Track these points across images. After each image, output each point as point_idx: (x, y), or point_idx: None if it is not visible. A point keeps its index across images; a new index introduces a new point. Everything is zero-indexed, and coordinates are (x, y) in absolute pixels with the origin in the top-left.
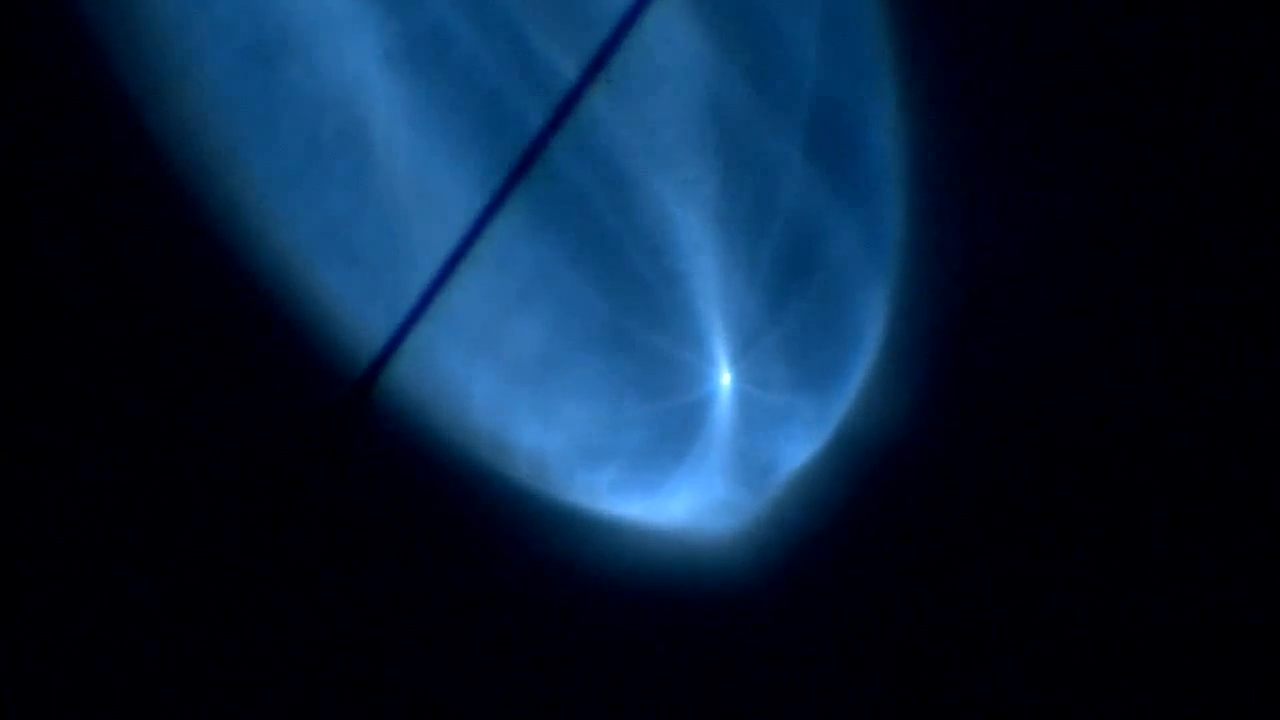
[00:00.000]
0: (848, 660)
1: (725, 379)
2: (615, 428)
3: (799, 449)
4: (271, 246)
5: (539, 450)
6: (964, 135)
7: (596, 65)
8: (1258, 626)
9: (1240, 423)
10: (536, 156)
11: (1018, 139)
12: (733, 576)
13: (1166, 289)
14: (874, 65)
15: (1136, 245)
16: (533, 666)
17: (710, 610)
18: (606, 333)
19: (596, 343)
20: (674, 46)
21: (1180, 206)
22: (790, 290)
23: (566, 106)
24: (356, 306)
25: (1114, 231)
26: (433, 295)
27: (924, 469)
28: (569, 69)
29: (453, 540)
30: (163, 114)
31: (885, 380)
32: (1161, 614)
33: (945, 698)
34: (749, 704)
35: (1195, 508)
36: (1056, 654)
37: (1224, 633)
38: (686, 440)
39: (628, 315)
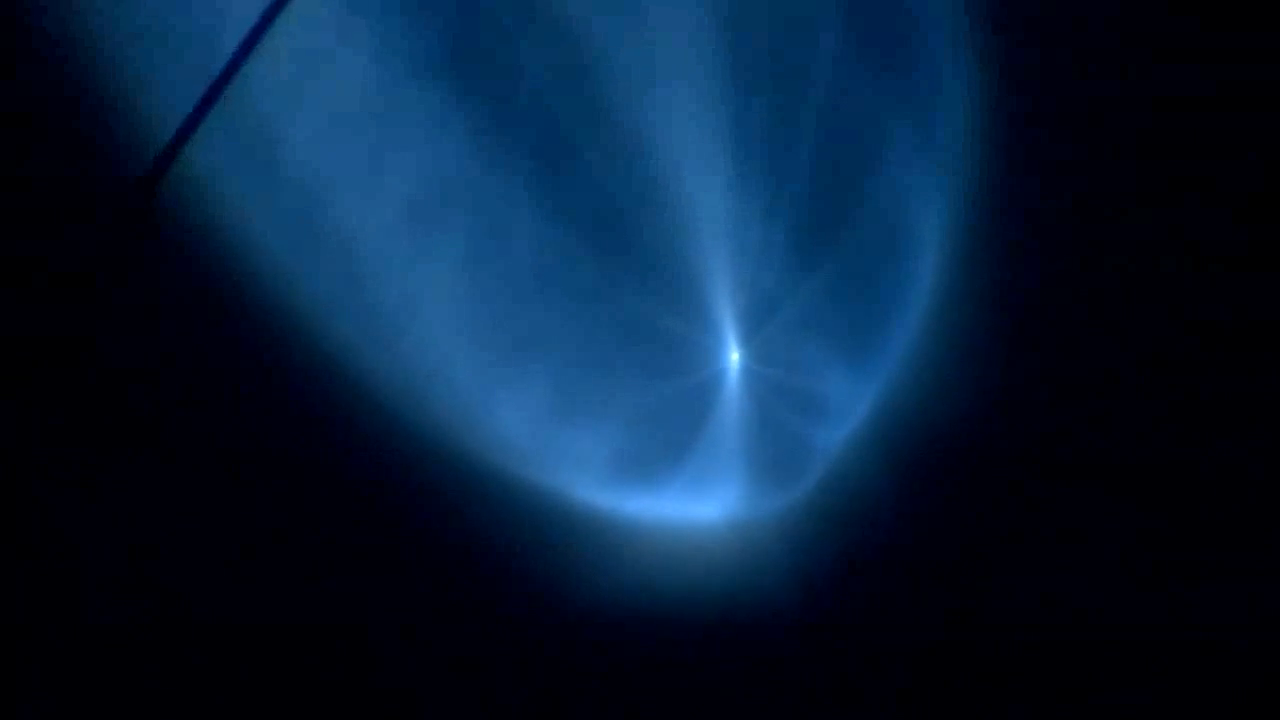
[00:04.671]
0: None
1: (734, 357)
2: (602, 416)
3: (828, 436)
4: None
5: (518, 440)
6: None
7: None
8: None
9: None
10: None
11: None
12: (753, 581)
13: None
14: None
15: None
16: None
17: (729, 621)
18: (585, 299)
19: (572, 310)
20: None
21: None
22: (819, 242)
23: None
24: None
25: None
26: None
27: (978, 459)
28: None
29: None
30: None
31: (932, 355)
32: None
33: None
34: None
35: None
36: (1113, 656)
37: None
38: (689, 431)
39: (612, 279)
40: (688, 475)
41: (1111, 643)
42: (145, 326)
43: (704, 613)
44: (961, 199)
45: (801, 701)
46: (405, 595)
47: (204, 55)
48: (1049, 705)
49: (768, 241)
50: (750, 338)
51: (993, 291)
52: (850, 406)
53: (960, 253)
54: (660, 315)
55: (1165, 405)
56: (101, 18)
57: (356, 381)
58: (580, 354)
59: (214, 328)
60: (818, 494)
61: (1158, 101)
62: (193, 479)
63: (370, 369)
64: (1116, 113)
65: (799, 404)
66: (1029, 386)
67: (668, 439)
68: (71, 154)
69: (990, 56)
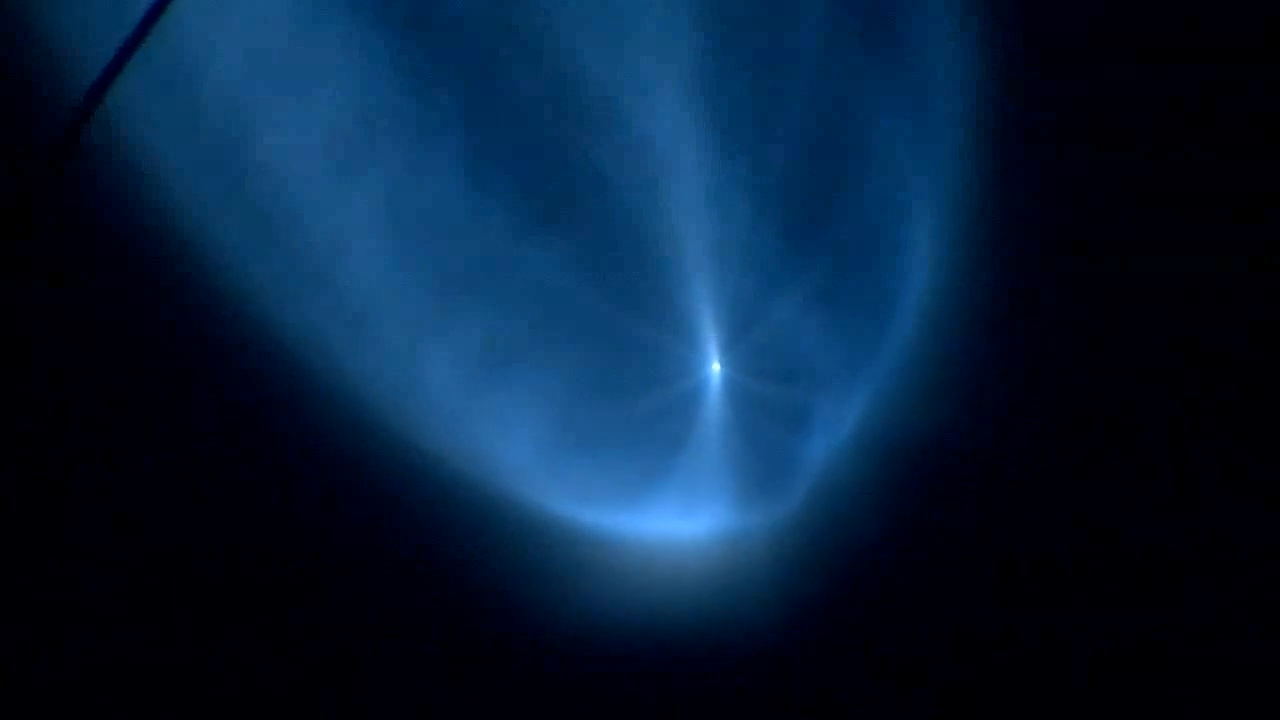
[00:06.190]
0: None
1: (715, 367)
2: (581, 431)
3: (815, 448)
4: None
5: (496, 458)
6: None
7: None
8: None
9: None
10: None
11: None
12: (738, 597)
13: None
14: None
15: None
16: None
17: (714, 638)
18: (563, 309)
19: (551, 322)
20: None
21: None
22: (805, 245)
23: None
24: None
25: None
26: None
27: (968, 470)
28: None
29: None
30: None
31: (922, 363)
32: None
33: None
34: None
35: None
36: (1108, 667)
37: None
38: (669, 445)
39: (589, 286)
40: (668, 490)
41: (1106, 655)
42: (68, 267)
43: (688, 630)
44: (954, 204)
45: (790, 717)
46: (366, 594)
47: None
48: (1041, 717)
49: (751, 244)
50: (732, 346)
51: (984, 299)
52: (837, 417)
53: (951, 259)
54: (635, 323)
55: (1163, 412)
56: None
57: (280, 328)
58: (550, 366)
59: (135, 271)
60: (804, 507)
61: (1160, 100)
62: (104, 429)
63: (295, 314)
64: (1117, 114)
65: (784, 415)
66: (1020, 395)
67: (646, 453)
68: None
69: (987, 55)
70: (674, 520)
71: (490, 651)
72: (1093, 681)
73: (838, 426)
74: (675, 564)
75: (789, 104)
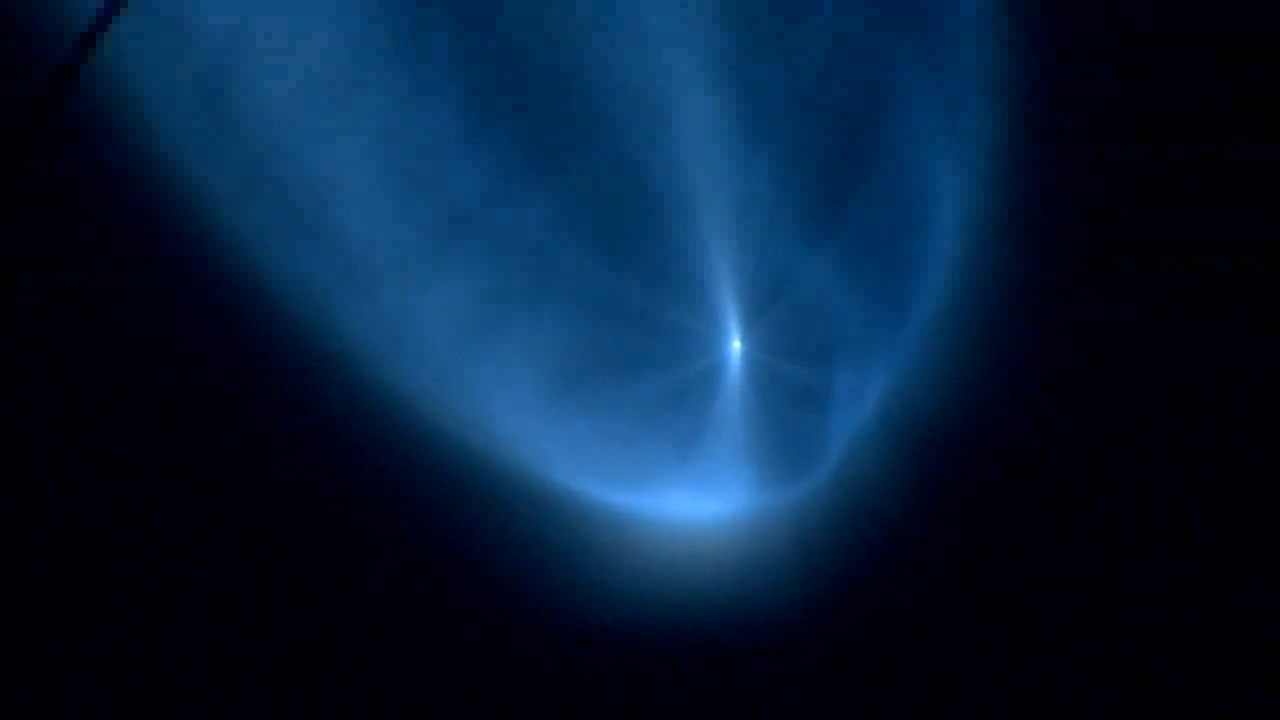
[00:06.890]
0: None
1: (736, 345)
2: (599, 408)
3: (835, 428)
4: None
5: (510, 436)
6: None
7: None
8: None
9: None
10: None
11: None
12: (759, 576)
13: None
14: None
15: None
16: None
17: (735, 617)
18: (575, 285)
19: (561, 297)
20: None
21: None
22: (827, 223)
23: None
24: None
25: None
26: None
27: (990, 451)
28: None
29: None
30: None
31: (944, 342)
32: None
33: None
34: None
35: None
36: (1121, 648)
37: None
38: (689, 424)
39: (604, 263)
40: (688, 469)
41: (1120, 636)
42: (62, 204)
43: (708, 607)
44: (977, 188)
45: (810, 696)
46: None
47: None
48: (1061, 697)
49: (772, 220)
50: (753, 324)
51: (1005, 281)
52: (858, 396)
53: (973, 242)
54: (656, 300)
55: (1177, 399)
56: None
57: (273, 277)
58: (566, 344)
59: (128, 210)
60: (825, 487)
61: (1174, 98)
62: (93, 380)
63: (288, 261)
64: (1140, 109)
65: (804, 394)
66: (1043, 377)
67: (667, 431)
68: None
69: (1015, 45)
70: (694, 499)
71: (503, 628)
72: (1106, 657)
73: (859, 406)
74: (695, 543)
75: (816, 84)
